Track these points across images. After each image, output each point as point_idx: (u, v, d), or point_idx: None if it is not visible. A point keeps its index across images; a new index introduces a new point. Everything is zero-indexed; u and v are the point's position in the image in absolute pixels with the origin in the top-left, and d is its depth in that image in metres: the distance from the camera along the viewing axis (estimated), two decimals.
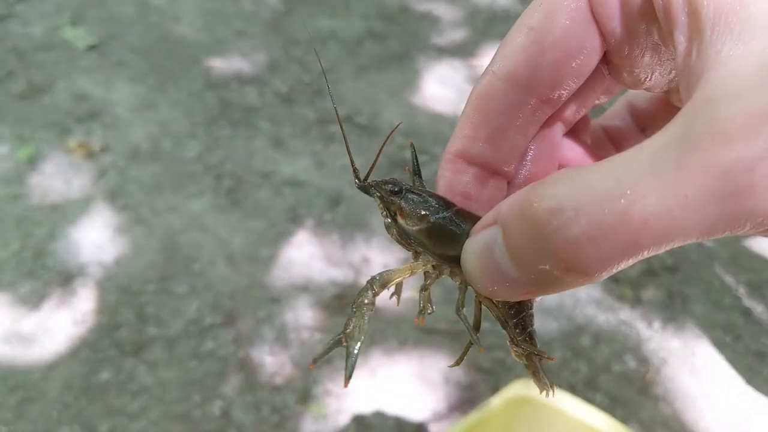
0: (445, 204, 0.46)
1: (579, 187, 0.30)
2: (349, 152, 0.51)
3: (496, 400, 1.32)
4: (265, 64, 2.96)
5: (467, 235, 0.42)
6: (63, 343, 1.91)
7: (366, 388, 1.85)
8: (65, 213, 2.27)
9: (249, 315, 2.00)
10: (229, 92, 2.80)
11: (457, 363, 0.51)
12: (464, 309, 0.48)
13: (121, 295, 2.04)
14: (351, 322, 0.45)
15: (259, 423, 1.78)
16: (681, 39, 0.33)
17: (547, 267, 0.32)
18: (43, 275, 2.08)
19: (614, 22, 0.39)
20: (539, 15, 0.40)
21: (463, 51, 3.15)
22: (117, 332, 1.95)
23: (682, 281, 2.16)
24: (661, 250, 0.30)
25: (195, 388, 1.84)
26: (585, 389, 1.86)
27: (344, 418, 1.79)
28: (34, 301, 2.01)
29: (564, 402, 1.32)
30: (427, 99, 2.86)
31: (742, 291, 2.14)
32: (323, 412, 1.80)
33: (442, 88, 2.93)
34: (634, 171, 0.29)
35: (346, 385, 0.43)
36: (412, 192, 0.47)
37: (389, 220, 0.49)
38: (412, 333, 1.96)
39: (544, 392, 0.50)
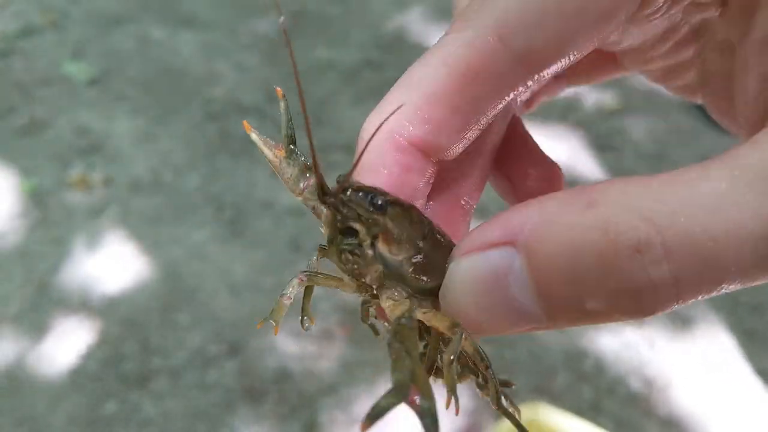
0: (419, 216, 0.34)
1: (667, 211, 0.24)
2: (314, 156, 0.34)
3: (504, 426, 1.33)
4: (264, 95, 3.00)
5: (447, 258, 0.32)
6: (67, 376, 1.91)
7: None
8: (68, 245, 2.28)
9: (253, 344, 2.00)
10: (228, 123, 2.83)
11: None
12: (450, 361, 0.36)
13: (125, 326, 2.04)
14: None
15: None
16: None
17: (598, 306, 0.26)
18: (46, 307, 2.08)
19: None
20: None
21: None
22: (121, 364, 1.95)
23: None
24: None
25: (201, 419, 1.83)
26: (590, 412, 1.86)
27: None
28: (38, 333, 2.01)
29: (572, 425, 1.33)
30: None
31: (743, 311, 2.15)
32: None
33: None
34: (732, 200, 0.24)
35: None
36: (395, 203, 0.33)
37: (366, 250, 0.33)
38: None
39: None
